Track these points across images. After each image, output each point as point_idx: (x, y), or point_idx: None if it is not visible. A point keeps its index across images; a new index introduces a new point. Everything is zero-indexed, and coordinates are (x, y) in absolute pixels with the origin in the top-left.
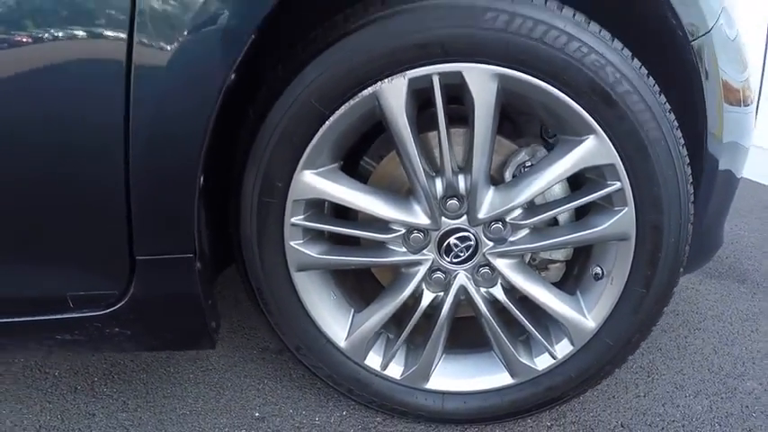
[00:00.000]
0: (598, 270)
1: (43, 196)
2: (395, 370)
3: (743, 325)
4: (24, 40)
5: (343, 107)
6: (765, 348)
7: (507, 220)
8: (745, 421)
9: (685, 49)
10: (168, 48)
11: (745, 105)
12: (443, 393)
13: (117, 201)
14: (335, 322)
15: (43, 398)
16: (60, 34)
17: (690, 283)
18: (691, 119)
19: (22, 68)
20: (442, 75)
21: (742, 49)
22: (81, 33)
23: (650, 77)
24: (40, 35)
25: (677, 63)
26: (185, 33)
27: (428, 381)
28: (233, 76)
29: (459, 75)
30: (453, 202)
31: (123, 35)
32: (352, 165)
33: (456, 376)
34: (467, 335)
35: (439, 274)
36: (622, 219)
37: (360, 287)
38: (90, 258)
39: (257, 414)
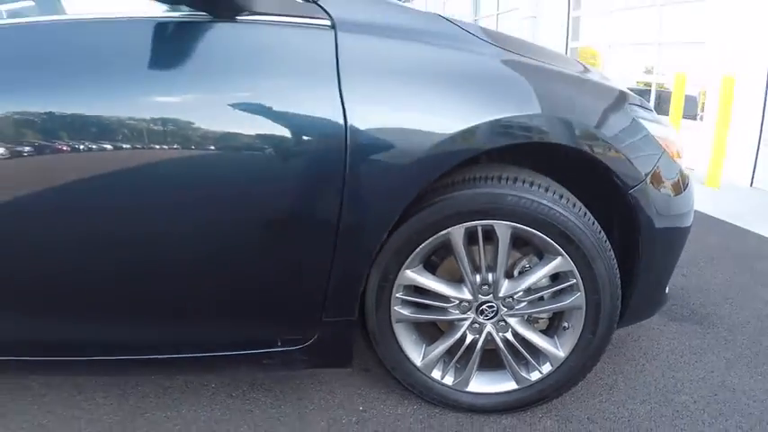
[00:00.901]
0: (565, 324)
1: (282, 282)
2: (448, 380)
3: (690, 357)
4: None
5: (431, 239)
6: (702, 374)
7: (515, 297)
8: (673, 420)
9: (625, 193)
10: (372, 173)
11: (678, 195)
12: (476, 394)
13: (322, 287)
14: (415, 351)
15: (211, 400)
16: (299, 160)
17: (655, 325)
18: (631, 235)
19: (271, 175)
20: (482, 225)
21: (676, 169)
22: (310, 158)
23: (595, 223)
24: (280, 157)
25: (621, 201)
26: (384, 169)
27: (468, 386)
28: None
29: (491, 226)
30: (485, 287)
31: (340, 168)
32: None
33: (484, 384)
34: (490, 360)
35: (476, 325)
36: (578, 298)
37: (429, 331)
38: (298, 319)
39: (361, 408)
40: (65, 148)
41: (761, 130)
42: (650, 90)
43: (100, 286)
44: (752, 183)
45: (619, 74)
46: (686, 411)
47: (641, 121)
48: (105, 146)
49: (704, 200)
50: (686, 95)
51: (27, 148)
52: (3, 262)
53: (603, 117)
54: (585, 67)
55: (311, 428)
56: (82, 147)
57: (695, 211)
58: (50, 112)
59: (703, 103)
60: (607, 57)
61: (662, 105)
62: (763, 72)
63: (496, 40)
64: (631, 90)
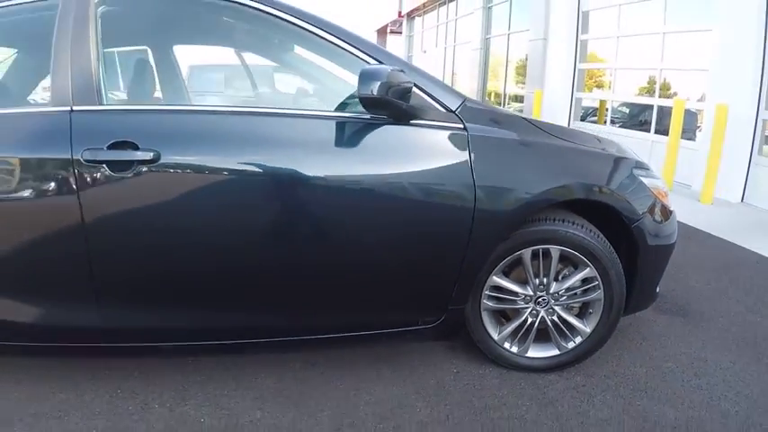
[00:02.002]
0: (591, 310)
1: (432, 284)
2: (514, 349)
3: (675, 338)
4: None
5: (510, 256)
6: (684, 350)
7: (559, 293)
8: (663, 377)
9: (625, 225)
10: (488, 216)
11: (664, 223)
12: (532, 358)
13: (452, 287)
14: (494, 330)
15: (354, 368)
16: (448, 204)
17: (649, 316)
18: (632, 251)
19: (430, 210)
20: (542, 248)
21: (662, 206)
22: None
23: (609, 246)
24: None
25: (626, 230)
26: (495, 213)
27: (527, 353)
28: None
29: (548, 249)
30: (541, 286)
31: (471, 211)
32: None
33: (537, 351)
34: (541, 335)
35: (534, 312)
36: (599, 294)
37: (502, 317)
38: (435, 308)
39: (455, 370)
40: (297, 194)
41: (751, 151)
42: (652, 107)
43: (308, 282)
44: (743, 198)
45: (624, 93)
46: (671, 373)
47: (641, 178)
48: (331, 197)
49: (698, 215)
50: (687, 110)
51: (273, 205)
52: (232, 267)
53: (614, 179)
54: (599, 140)
55: (425, 383)
56: (310, 197)
57: (689, 226)
58: (277, 175)
59: (699, 126)
60: (613, 78)
61: (662, 121)
62: (754, 100)
63: (551, 130)
64: (635, 106)
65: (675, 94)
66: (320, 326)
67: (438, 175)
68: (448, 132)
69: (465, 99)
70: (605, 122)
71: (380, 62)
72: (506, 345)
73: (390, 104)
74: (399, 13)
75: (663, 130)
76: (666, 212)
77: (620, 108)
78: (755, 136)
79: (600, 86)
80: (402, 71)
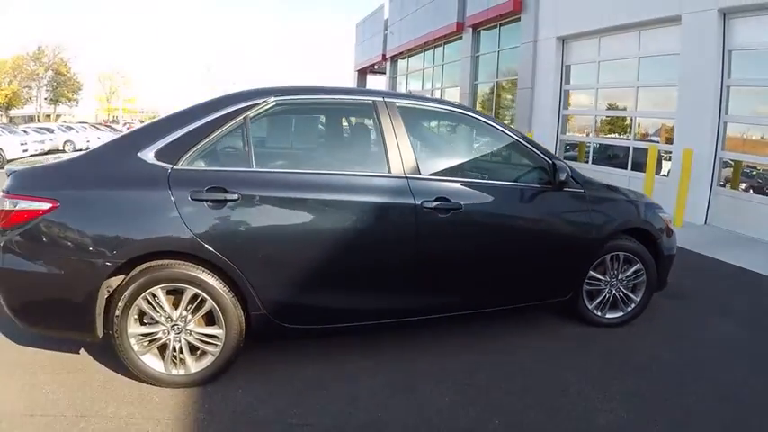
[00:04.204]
0: (639, 289)
1: (566, 274)
2: (599, 313)
3: (674, 311)
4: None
5: (599, 259)
6: (680, 318)
7: (621, 278)
8: (664, 333)
9: (653, 239)
10: (598, 238)
11: (670, 238)
12: (609, 318)
13: (577, 276)
14: (589, 302)
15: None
16: (574, 233)
17: (659, 299)
18: (656, 257)
19: (563, 237)
20: (617, 254)
21: (669, 228)
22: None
23: (648, 251)
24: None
25: (653, 242)
26: (601, 235)
27: (606, 315)
28: None
29: (619, 254)
30: (612, 273)
31: (589, 239)
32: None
33: (610, 314)
34: (612, 304)
35: (611, 290)
36: (643, 279)
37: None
38: (564, 289)
39: (549, 333)
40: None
41: (711, 184)
42: (628, 149)
43: (490, 280)
44: (706, 221)
45: (602, 136)
46: (669, 328)
47: (658, 212)
48: (513, 230)
49: None
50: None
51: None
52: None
53: (648, 215)
54: (638, 193)
55: (522, 351)
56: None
57: None
58: (495, 215)
59: (669, 170)
60: (591, 124)
61: (637, 160)
62: (713, 144)
63: (618, 189)
64: (612, 147)
65: (647, 134)
66: (507, 300)
67: (575, 216)
68: (578, 194)
69: (569, 172)
70: (586, 161)
71: (543, 154)
72: (595, 311)
73: (565, 183)
74: (383, 55)
75: (637, 166)
76: (671, 232)
77: (598, 147)
78: (714, 172)
79: (581, 129)
80: (564, 163)
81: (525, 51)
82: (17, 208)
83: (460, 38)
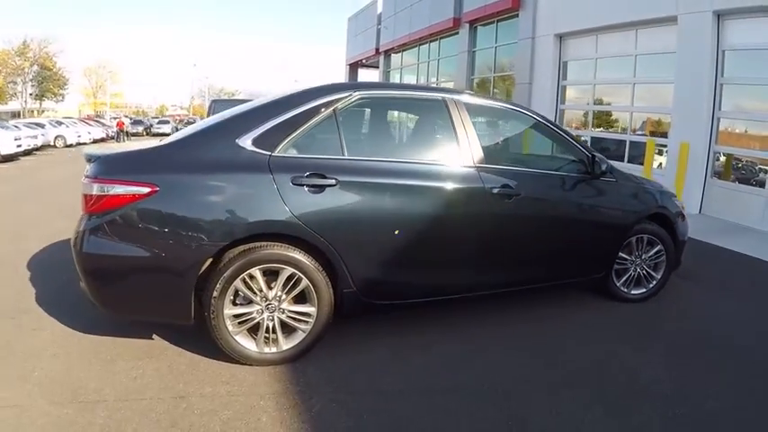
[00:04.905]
0: (660, 267)
1: (603, 255)
2: (625, 289)
3: (683, 286)
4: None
5: (626, 240)
6: (690, 291)
7: (644, 258)
8: (676, 303)
9: (670, 223)
10: (628, 221)
11: (684, 222)
12: (634, 293)
13: (611, 256)
14: (617, 280)
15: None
16: (608, 218)
17: (673, 279)
18: (673, 239)
19: (594, 221)
20: (642, 236)
21: (683, 213)
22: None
23: (668, 234)
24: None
25: (669, 226)
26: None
27: (631, 291)
28: None
29: (644, 237)
30: (636, 253)
31: (622, 221)
32: None
33: (635, 290)
34: (637, 281)
35: (636, 269)
36: (663, 258)
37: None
38: (600, 268)
39: (584, 301)
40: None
41: (705, 175)
42: (625, 142)
43: (536, 259)
44: (700, 210)
45: (599, 131)
46: (684, 302)
47: (674, 199)
48: (560, 214)
49: None
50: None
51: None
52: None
53: (666, 202)
54: (655, 182)
55: (568, 322)
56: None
57: None
58: (543, 200)
59: (661, 163)
60: (588, 118)
61: (633, 153)
62: (707, 138)
63: (641, 179)
64: (606, 141)
65: (643, 129)
66: (554, 276)
67: (610, 202)
68: (611, 182)
69: (609, 165)
70: None
71: (584, 148)
72: (622, 287)
73: (604, 173)
74: (377, 49)
75: (632, 159)
76: (684, 218)
77: (595, 141)
78: (708, 164)
79: (578, 123)
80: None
81: (523, 47)
82: (110, 192)
83: (457, 33)
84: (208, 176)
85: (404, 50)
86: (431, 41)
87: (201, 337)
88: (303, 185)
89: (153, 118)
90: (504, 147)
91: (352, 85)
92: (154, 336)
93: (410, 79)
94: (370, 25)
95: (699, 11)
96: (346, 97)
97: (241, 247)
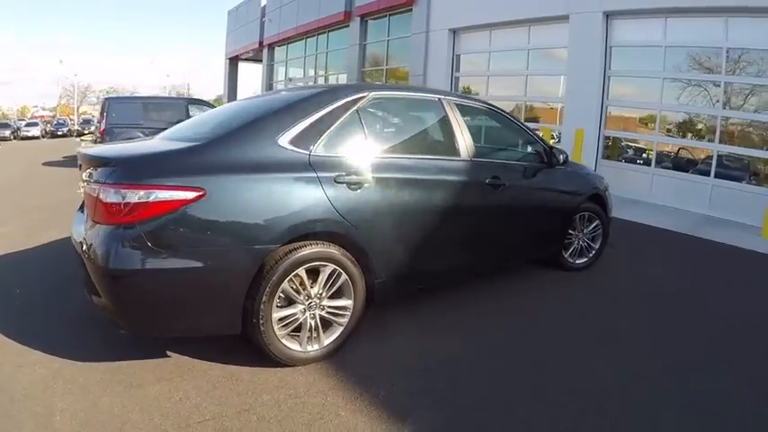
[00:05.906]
0: (598, 239)
1: (560, 235)
2: (570, 259)
3: (611, 255)
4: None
5: (575, 217)
6: (632, 261)
7: (586, 232)
8: (607, 268)
9: (602, 202)
10: (576, 201)
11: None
12: (578, 263)
13: (564, 234)
14: (566, 253)
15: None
16: (567, 202)
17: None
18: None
19: (558, 205)
20: (582, 214)
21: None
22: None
23: (603, 211)
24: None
25: (602, 204)
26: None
27: (576, 260)
28: None
29: (584, 214)
30: (579, 229)
31: (573, 201)
32: None
33: (579, 259)
34: (580, 252)
35: (577, 241)
36: (600, 231)
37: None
38: (557, 245)
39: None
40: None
41: (596, 157)
42: None
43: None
44: None
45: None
46: (619, 269)
47: (603, 181)
48: (530, 200)
49: None
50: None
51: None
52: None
53: (600, 185)
54: (585, 167)
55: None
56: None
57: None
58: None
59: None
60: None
61: None
62: (597, 124)
63: (584, 168)
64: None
65: (538, 118)
66: (513, 258)
67: (564, 185)
68: (565, 171)
69: (567, 155)
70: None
71: (542, 141)
72: (569, 258)
73: (558, 162)
74: (260, 43)
75: None
76: (610, 197)
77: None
78: (598, 147)
79: None
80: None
81: (417, 41)
82: (151, 199)
83: (347, 26)
84: (255, 177)
85: (290, 43)
86: (319, 34)
87: (219, 346)
88: (344, 183)
89: (19, 120)
90: (486, 141)
91: (366, 86)
92: (168, 352)
93: (296, 72)
94: (252, 18)
95: (590, 11)
96: (365, 97)
97: (286, 248)
